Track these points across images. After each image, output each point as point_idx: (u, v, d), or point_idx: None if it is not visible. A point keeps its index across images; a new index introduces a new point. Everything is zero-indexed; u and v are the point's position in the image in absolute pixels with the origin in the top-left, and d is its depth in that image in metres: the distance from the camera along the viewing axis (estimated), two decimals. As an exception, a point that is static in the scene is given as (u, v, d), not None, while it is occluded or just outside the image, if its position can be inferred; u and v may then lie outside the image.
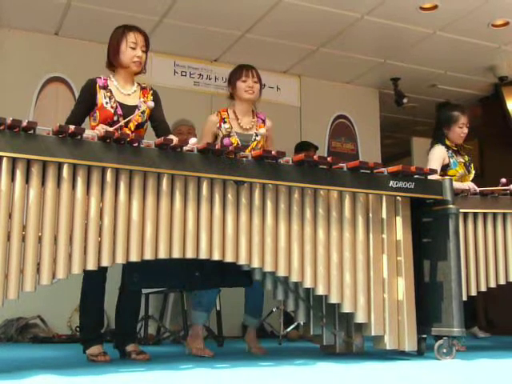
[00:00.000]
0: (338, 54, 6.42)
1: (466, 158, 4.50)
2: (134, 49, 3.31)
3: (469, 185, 4.08)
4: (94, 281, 3.19)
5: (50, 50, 5.81)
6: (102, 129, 2.98)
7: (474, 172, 4.47)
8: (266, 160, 2.96)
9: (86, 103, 3.28)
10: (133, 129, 3.25)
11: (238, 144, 3.66)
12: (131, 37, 3.31)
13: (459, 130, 4.41)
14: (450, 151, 4.40)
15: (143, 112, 3.33)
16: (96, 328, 3.27)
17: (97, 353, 3.14)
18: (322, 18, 5.59)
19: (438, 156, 4.35)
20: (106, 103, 3.24)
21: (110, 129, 3.05)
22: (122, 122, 3.19)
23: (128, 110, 3.27)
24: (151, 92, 3.43)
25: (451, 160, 4.37)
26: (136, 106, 3.31)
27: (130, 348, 3.28)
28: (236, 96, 3.86)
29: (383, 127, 7.62)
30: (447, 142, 4.42)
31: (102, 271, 3.15)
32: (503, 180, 3.86)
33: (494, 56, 6.46)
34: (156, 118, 3.42)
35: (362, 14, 5.54)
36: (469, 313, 4.35)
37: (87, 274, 2.95)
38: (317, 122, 7.01)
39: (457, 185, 3.98)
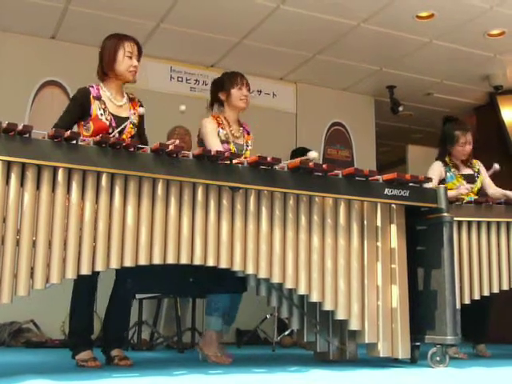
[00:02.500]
0: (334, 61, 6.43)
1: (476, 168, 4.59)
2: (130, 58, 3.29)
3: (459, 190, 4.17)
4: (84, 286, 3.16)
5: (46, 54, 5.81)
6: None
7: (478, 185, 4.51)
8: (261, 166, 2.96)
9: (77, 112, 3.23)
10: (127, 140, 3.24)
11: (235, 151, 3.65)
12: (128, 46, 3.30)
13: (461, 149, 4.52)
14: (450, 165, 4.51)
15: (134, 124, 3.32)
16: (86, 333, 3.24)
17: (87, 358, 3.12)
18: (318, 26, 5.61)
19: (434, 173, 4.45)
20: (101, 115, 3.21)
21: None
22: (116, 132, 3.17)
23: (121, 121, 3.25)
24: (139, 104, 3.43)
25: (448, 174, 4.47)
26: (128, 118, 3.29)
27: (114, 353, 3.25)
28: (228, 103, 3.81)
29: (379, 135, 7.64)
30: (446, 159, 4.52)
31: (92, 276, 3.13)
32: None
33: (489, 65, 6.49)
34: (139, 132, 3.39)
35: (359, 21, 5.56)
36: (479, 327, 4.40)
37: (78, 279, 2.94)
38: (312, 128, 7.02)
39: (450, 194, 4.04)
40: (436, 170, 4.48)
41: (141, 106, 3.42)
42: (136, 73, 3.34)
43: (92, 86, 3.28)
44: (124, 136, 3.24)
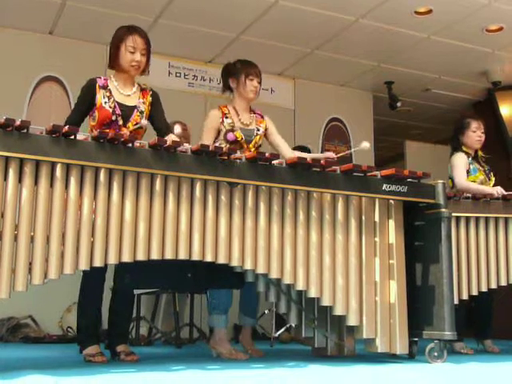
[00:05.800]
0: (332, 56, 6.43)
1: (486, 166, 4.54)
2: (132, 53, 3.28)
3: (497, 189, 4.05)
4: (93, 281, 3.18)
5: (44, 49, 5.80)
6: None
7: (494, 179, 4.49)
8: (259, 162, 2.96)
9: (86, 103, 3.26)
10: (131, 128, 3.25)
11: (242, 138, 3.68)
12: (130, 41, 3.28)
13: (473, 135, 4.46)
14: (470, 158, 4.45)
15: (142, 112, 3.32)
16: (93, 328, 3.25)
17: (94, 353, 3.13)
18: (316, 21, 5.61)
19: (461, 162, 4.39)
20: (105, 103, 3.23)
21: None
22: (138, 125, 3.21)
23: (127, 110, 3.26)
24: (151, 93, 3.42)
25: (471, 166, 4.42)
26: (135, 107, 3.30)
27: (120, 348, 3.27)
28: (237, 91, 3.80)
29: (377, 130, 7.64)
30: (464, 149, 4.46)
31: (101, 271, 3.14)
32: None
33: (487, 61, 6.49)
34: (157, 120, 3.40)
35: (357, 17, 5.56)
36: (482, 323, 4.40)
37: (87, 273, 2.94)
38: (311, 124, 7.02)
39: (484, 189, 4.03)
40: (461, 161, 4.39)
41: (152, 93, 3.40)
42: (139, 67, 3.32)
43: (100, 77, 3.31)
44: (130, 124, 3.25)
